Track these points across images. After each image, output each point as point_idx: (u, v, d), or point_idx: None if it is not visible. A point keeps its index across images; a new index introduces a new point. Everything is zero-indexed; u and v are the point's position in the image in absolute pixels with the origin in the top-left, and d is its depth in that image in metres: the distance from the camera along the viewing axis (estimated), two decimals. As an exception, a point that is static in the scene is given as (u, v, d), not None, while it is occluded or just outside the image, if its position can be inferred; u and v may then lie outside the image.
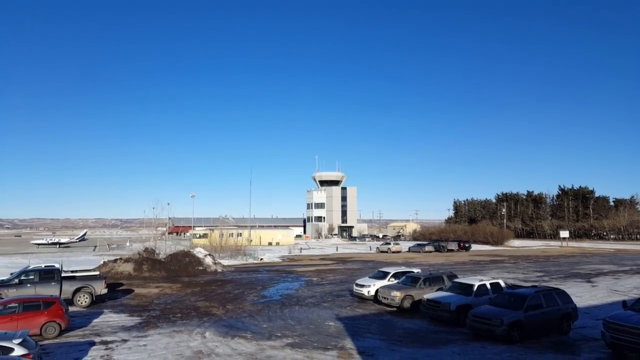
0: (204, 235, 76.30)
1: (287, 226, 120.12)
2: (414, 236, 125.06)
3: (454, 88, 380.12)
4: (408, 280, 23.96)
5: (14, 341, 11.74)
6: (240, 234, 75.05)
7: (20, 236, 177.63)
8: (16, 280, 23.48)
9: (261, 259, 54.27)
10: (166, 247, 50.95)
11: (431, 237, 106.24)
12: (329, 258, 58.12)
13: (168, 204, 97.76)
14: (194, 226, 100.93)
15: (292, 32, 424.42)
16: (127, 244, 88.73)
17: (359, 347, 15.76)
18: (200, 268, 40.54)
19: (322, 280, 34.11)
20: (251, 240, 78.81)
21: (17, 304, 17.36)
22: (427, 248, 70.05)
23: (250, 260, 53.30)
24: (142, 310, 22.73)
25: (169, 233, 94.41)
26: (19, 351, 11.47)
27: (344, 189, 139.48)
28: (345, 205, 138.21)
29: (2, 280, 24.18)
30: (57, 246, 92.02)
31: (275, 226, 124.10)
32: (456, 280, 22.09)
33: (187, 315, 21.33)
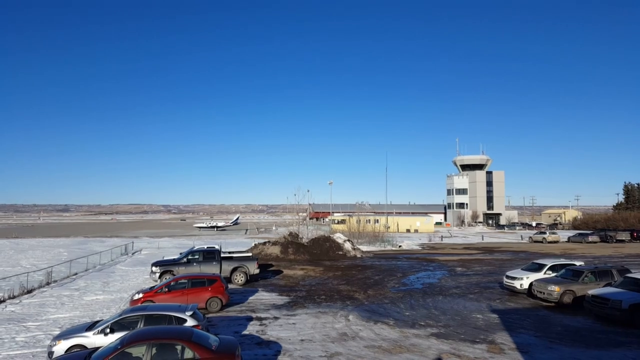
0: (342, 221, 79.02)
1: (426, 213, 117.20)
2: (575, 224, 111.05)
3: (620, 59, 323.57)
4: (569, 273, 21.67)
5: (186, 313, 13.74)
6: (377, 220, 75.78)
7: (184, 220, 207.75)
8: (185, 260, 27.46)
9: (400, 246, 54.15)
10: (308, 232, 54.28)
11: (595, 226, 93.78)
12: (473, 247, 55.22)
13: (308, 190, 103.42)
14: (332, 212, 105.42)
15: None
16: (274, 228, 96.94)
17: (511, 342, 14.69)
18: (340, 253, 42.19)
19: (467, 271, 32.59)
20: (389, 227, 79.08)
21: (186, 280, 20.30)
22: (590, 238, 61.90)
23: (389, 247, 53.56)
24: (290, 290, 24.63)
25: (309, 218, 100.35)
26: (190, 322, 13.38)
27: (489, 173, 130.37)
28: (491, 191, 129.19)
29: (174, 259, 28.51)
30: (215, 229, 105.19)
31: (413, 213, 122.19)
32: (629, 275, 19.24)
33: (330, 297, 22.44)
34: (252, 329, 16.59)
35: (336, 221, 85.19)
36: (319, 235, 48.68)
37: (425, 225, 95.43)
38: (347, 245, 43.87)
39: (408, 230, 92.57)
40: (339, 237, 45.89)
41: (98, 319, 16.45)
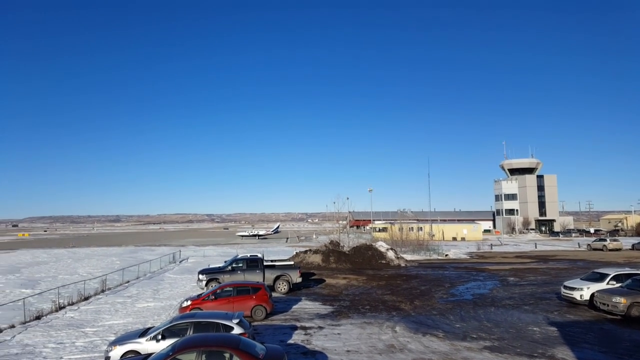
0: (384, 229, 78.19)
1: (473, 220, 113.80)
2: (638, 231, 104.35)
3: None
4: (636, 283, 20.26)
5: (233, 321, 14.01)
6: (421, 228, 74.43)
7: (227, 229, 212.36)
8: (229, 268, 28.06)
9: (446, 255, 52.87)
10: (349, 240, 54.03)
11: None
12: (526, 256, 53.05)
13: (347, 198, 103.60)
14: (373, 220, 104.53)
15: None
16: (314, 236, 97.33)
17: (574, 358, 13.95)
18: (383, 262, 41.71)
19: (521, 281, 31.33)
20: (433, 235, 77.43)
21: (232, 288, 20.70)
22: (659, 245, 57.91)
23: (434, 256, 52.43)
24: (333, 299, 24.59)
25: (350, 226, 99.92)
26: (237, 330, 13.63)
27: (539, 177, 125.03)
28: (543, 196, 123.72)
29: (219, 267, 29.20)
30: (257, 238, 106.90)
31: (459, 220, 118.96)
32: None
33: (375, 308, 22.21)
34: (297, 338, 16.67)
35: (377, 229, 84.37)
36: (361, 243, 48.38)
37: (472, 232, 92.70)
38: (390, 254, 43.32)
39: (454, 239, 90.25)
40: (382, 246, 45.41)
41: (150, 325, 17.07)
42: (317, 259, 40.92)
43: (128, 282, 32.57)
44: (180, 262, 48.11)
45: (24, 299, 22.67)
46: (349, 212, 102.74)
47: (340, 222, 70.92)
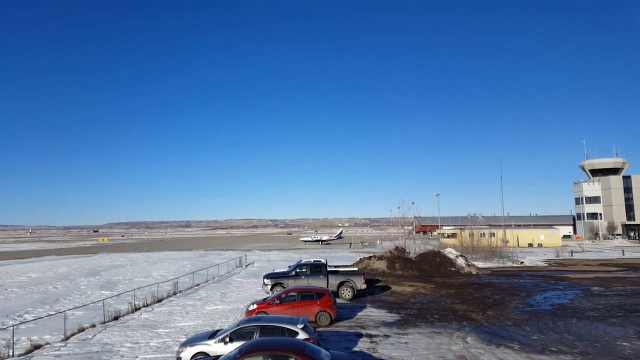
0: (453, 235, 75.63)
1: (551, 225, 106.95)
2: None
3: None
4: None
5: (298, 326, 14.13)
6: (494, 233, 71.02)
7: (291, 234, 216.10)
8: (293, 273, 28.44)
9: (521, 262, 50.07)
10: (415, 246, 52.82)
11: None
12: (612, 264, 48.92)
13: (413, 203, 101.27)
14: (440, 225, 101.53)
15: None
16: (378, 242, 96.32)
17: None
18: (453, 269, 40.30)
19: (606, 291, 28.90)
20: (507, 241, 73.61)
21: (296, 293, 20.94)
22: None
23: (508, 263, 49.83)
24: (400, 307, 24.10)
25: (416, 232, 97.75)
26: (302, 335, 13.72)
27: (626, 178, 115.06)
28: (631, 199, 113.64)
29: (283, 272, 29.70)
30: (320, 243, 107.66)
31: (535, 225, 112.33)
32: None
33: (444, 317, 21.46)
34: (362, 345, 16.49)
35: (446, 235, 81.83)
36: (428, 250, 47.08)
37: (550, 238, 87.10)
38: (460, 261, 41.76)
39: (530, 245, 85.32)
40: (450, 252, 43.91)
41: (218, 328, 17.69)
42: (381, 265, 40.39)
43: (198, 285, 34.07)
44: (246, 266, 49.58)
45: (103, 300, 24.45)
46: (415, 217, 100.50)
47: (406, 227, 69.66)
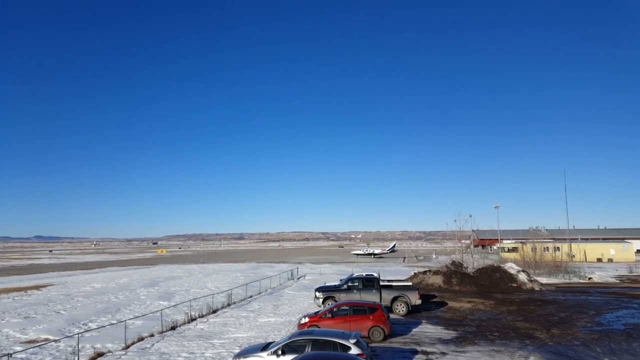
0: (514, 249, 72.44)
1: (623, 239, 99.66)
2: None
3: None
4: None
5: (350, 340, 14.00)
6: (558, 247, 67.18)
7: (342, 247, 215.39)
8: (345, 286, 28.27)
9: (589, 278, 46.98)
10: (473, 261, 51.05)
11: None
12: (696, 282, 44.74)
13: (470, 216, 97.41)
14: (500, 239, 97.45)
15: None
16: (433, 256, 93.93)
17: None
18: (514, 285, 38.47)
19: (690, 312, 26.45)
20: (573, 256, 69.44)
21: (348, 307, 20.82)
22: None
23: (575, 279, 46.95)
24: (457, 324, 23.28)
25: (474, 246, 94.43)
26: (354, 350, 13.57)
27: None
28: None
29: (335, 285, 29.60)
30: (372, 256, 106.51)
31: (604, 239, 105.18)
32: None
33: (505, 335, 20.48)
34: (418, 363, 16.06)
35: (506, 249, 78.48)
36: (487, 264, 45.28)
37: (621, 253, 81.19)
38: (522, 277, 39.80)
39: (599, 260, 79.97)
40: (511, 267, 41.97)
41: (271, 340, 17.88)
42: (437, 280, 39.29)
43: (251, 297, 34.70)
44: (297, 279, 49.93)
45: (161, 310, 25.48)
46: (472, 230, 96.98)
47: (463, 241, 67.62)
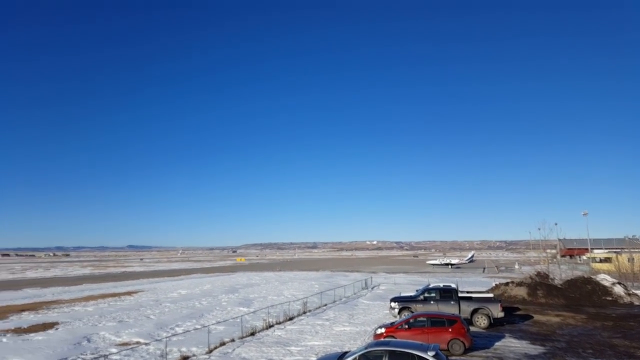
0: (606, 260, 66.68)
1: None
2: None
3: None
4: None
5: (429, 353, 13.56)
6: (661, 258, 60.58)
7: (417, 257, 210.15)
8: (421, 297, 27.52)
9: (701, 293, 41.70)
10: (560, 272, 47.47)
11: None
12: None
13: (556, 224, 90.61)
14: (590, 248, 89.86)
15: None
16: (516, 266, 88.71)
17: None
18: (608, 298, 35.23)
19: None
20: (679, 267, 62.23)
21: (425, 319, 20.22)
22: None
23: (683, 294, 41.87)
24: (544, 339, 21.72)
25: (560, 256, 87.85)
26: None
27: None
28: None
29: (411, 296, 28.91)
30: (449, 267, 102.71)
31: None
32: None
33: (601, 352, 18.77)
34: (502, 379, 15.17)
35: (597, 259, 72.20)
36: (576, 276, 41.87)
37: None
38: (618, 289, 36.32)
39: None
40: (605, 279, 38.47)
41: (347, 349, 17.82)
42: (521, 292, 37.02)
43: (326, 305, 34.90)
44: (372, 288, 49.43)
45: (241, 316, 26.40)
46: (559, 239, 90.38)
47: (548, 251, 63.07)
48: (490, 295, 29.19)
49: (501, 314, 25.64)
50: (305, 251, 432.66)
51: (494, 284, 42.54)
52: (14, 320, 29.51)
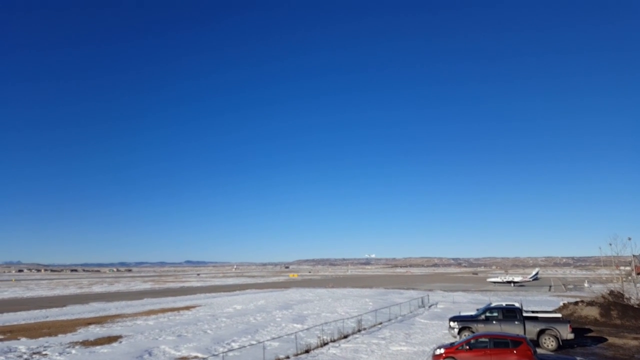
0: (692, 278, 60.76)
1: None
2: None
3: None
4: None
5: None
6: None
7: (476, 274, 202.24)
8: (483, 317, 26.36)
9: None
10: (637, 291, 43.99)
11: None
12: None
13: (629, 238, 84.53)
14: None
15: None
16: (585, 284, 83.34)
17: None
18: (696, 321, 32.09)
19: None
20: None
21: (487, 339, 19.34)
22: None
23: None
24: (622, 365, 20.11)
25: (636, 274, 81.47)
26: None
27: None
28: None
29: (471, 315, 27.77)
30: (511, 284, 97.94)
31: None
32: None
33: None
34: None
35: (682, 277, 66.13)
36: (657, 295, 38.57)
37: None
38: None
39: None
40: (691, 300, 35.17)
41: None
42: (592, 312, 34.60)
43: (381, 323, 34.27)
44: (429, 307, 48.05)
45: (295, 333, 26.48)
46: (634, 255, 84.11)
47: (622, 268, 58.74)
48: (559, 315, 27.51)
49: (571, 336, 24.09)
50: (358, 267, 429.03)
51: (561, 304, 40.13)
52: (82, 333, 31.23)
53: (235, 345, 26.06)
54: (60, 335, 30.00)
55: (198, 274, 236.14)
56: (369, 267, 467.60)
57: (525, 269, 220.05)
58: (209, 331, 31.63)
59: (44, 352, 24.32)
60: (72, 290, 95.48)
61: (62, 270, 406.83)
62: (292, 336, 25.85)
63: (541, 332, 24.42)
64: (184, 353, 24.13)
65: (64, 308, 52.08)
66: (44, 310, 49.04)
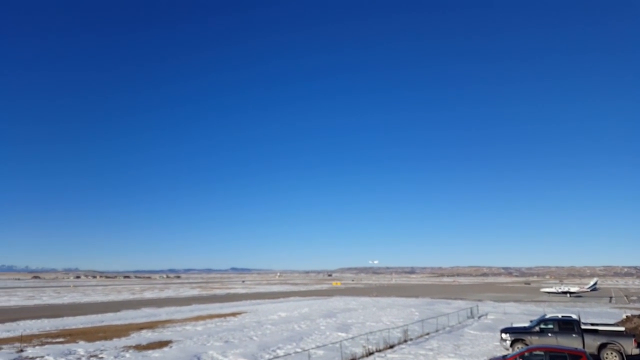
0: None
1: None
2: None
3: None
4: None
5: None
6: None
7: (529, 284, 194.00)
8: (537, 328, 25.19)
9: None
10: None
11: None
12: None
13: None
14: None
15: None
16: (650, 296, 78.12)
17: None
18: None
19: None
20: None
21: (543, 353, 18.41)
22: None
23: None
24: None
25: None
26: None
27: None
28: None
29: (524, 327, 26.59)
30: (567, 295, 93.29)
31: None
32: None
33: None
34: None
35: None
36: None
37: None
38: None
39: None
40: None
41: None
42: (659, 326, 32.25)
43: (428, 334, 33.43)
44: (478, 317, 46.46)
45: (340, 342, 26.26)
46: None
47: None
48: (622, 328, 25.83)
49: (636, 351, 22.55)
50: (402, 276, 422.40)
51: (624, 316, 37.72)
52: (135, 338, 32.36)
53: (280, 352, 26.15)
54: (115, 339, 31.23)
55: (243, 281, 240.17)
56: (413, 275, 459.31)
57: (582, 279, 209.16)
58: (254, 338, 31.96)
59: (100, 355, 25.37)
60: (125, 296, 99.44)
61: (115, 277, 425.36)
62: (337, 345, 25.64)
63: (602, 347, 23.03)
64: (231, 359, 24.47)
65: (118, 313, 54.30)
66: (99, 315, 51.32)
